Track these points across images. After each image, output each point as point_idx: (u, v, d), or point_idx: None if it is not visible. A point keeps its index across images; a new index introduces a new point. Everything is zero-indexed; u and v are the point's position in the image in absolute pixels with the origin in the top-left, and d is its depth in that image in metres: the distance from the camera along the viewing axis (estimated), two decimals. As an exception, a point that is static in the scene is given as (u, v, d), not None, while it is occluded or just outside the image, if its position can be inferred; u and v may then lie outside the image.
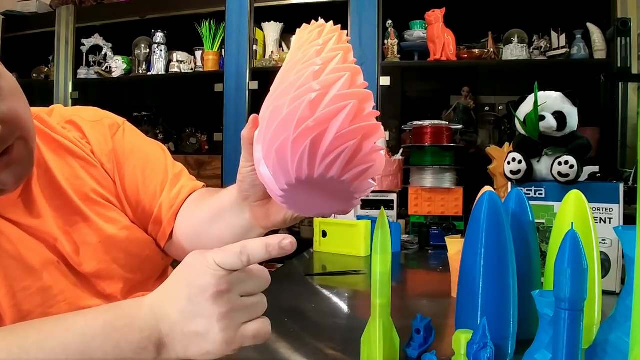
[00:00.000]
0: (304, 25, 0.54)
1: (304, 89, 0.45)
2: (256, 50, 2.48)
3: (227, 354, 0.46)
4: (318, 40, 0.50)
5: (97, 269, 0.67)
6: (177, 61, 2.64)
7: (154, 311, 0.47)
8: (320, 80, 0.45)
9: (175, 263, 0.61)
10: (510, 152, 1.04)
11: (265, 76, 2.49)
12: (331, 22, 0.53)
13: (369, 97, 0.46)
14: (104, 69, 2.82)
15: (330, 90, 0.44)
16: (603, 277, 0.91)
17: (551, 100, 1.00)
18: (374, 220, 1.25)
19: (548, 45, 2.22)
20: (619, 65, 1.59)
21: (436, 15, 2.17)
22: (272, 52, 2.51)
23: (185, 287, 0.46)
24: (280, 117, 0.45)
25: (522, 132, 1.04)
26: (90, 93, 2.89)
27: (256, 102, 2.47)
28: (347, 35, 0.53)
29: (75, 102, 2.83)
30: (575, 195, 0.70)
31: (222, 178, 2.46)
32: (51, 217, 0.66)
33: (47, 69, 3.02)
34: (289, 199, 0.49)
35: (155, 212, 0.73)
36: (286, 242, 0.47)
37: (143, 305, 0.48)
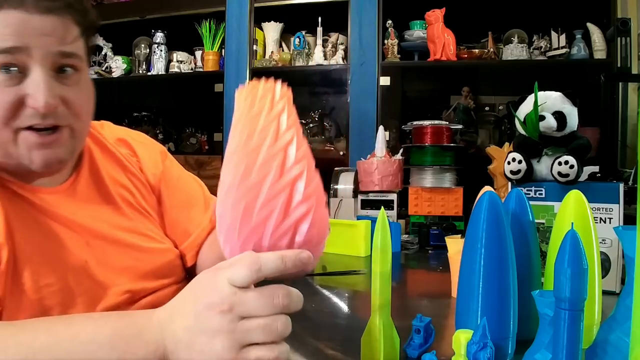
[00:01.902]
0: (250, 85, 0.54)
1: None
2: (256, 50, 2.48)
3: None
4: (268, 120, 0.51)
5: (125, 269, 0.72)
6: (177, 61, 2.64)
7: (162, 326, 0.47)
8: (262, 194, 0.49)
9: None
10: (510, 152, 1.04)
11: (265, 76, 2.48)
12: (279, 85, 0.54)
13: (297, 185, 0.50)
14: (104, 69, 2.82)
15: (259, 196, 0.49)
16: (603, 277, 0.91)
17: (551, 100, 1.00)
18: (374, 220, 1.25)
19: (548, 45, 2.22)
20: (619, 65, 1.59)
21: (436, 15, 2.17)
22: (272, 52, 2.51)
23: (192, 304, 0.46)
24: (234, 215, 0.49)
25: (522, 132, 1.04)
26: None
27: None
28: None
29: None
30: (575, 195, 0.70)
31: (222, 178, 2.46)
32: (91, 217, 0.71)
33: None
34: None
35: (192, 237, 0.83)
36: (304, 255, 0.46)
37: (152, 318, 0.48)
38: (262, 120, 0.51)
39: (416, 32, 2.32)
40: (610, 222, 0.94)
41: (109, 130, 0.83)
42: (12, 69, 0.60)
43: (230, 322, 0.44)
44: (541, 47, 2.23)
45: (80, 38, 0.66)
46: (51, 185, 0.69)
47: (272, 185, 0.48)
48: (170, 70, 2.65)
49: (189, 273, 0.83)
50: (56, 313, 0.61)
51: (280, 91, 0.54)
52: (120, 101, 3.10)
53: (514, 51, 2.21)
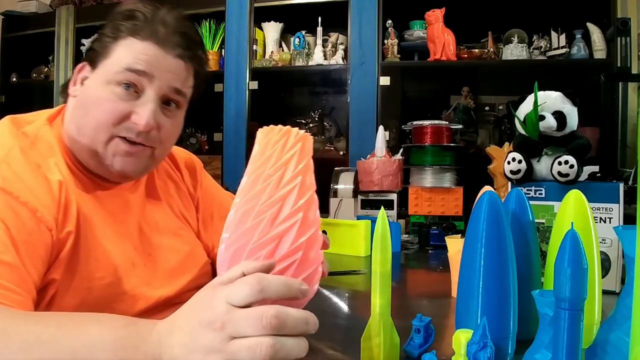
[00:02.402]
0: (269, 128, 0.56)
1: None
2: (256, 50, 2.48)
3: None
4: (279, 163, 0.53)
5: (171, 269, 0.80)
6: (177, 61, 2.64)
7: (160, 339, 0.47)
8: (275, 233, 0.51)
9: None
10: (510, 152, 1.04)
11: (265, 76, 2.49)
12: (295, 131, 0.56)
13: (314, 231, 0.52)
14: (104, 69, 2.81)
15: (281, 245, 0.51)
16: (603, 277, 0.91)
17: (551, 100, 1.00)
18: (374, 220, 1.25)
19: (548, 45, 2.22)
20: (619, 65, 1.59)
21: (436, 15, 2.17)
22: (272, 52, 2.51)
23: (189, 320, 0.46)
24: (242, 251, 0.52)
25: (522, 132, 1.04)
26: (90, 93, 2.89)
27: (256, 102, 2.47)
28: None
29: (75, 102, 2.83)
30: (575, 195, 0.70)
31: (222, 178, 2.46)
32: (142, 219, 0.80)
33: (47, 69, 3.02)
34: None
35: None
36: (304, 288, 0.45)
37: (154, 330, 0.48)
38: (268, 167, 0.53)
39: (416, 32, 2.31)
40: (610, 222, 0.94)
41: None
42: (131, 87, 0.71)
43: (221, 341, 0.43)
44: (541, 47, 2.23)
45: (192, 83, 0.79)
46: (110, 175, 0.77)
47: (260, 235, 0.50)
48: (170, 70, 2.65)
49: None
50: (99, 306, 0.67)
51: (295, 137, 0.54)
52: (120, 101, 3.09)
53: (514, 51, 2.21)
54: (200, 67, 0.79)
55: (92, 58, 0.75)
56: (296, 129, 0.55)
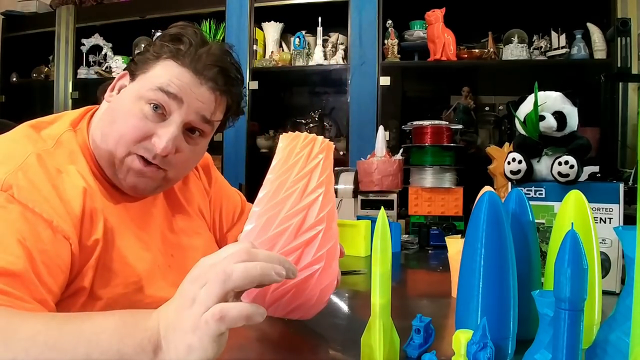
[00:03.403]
0: (293, 135, 0.57)
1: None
2: (256, 50, 2.48)
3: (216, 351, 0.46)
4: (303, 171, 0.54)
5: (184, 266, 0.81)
6: (177, 61, 2.64)
7: (159, 313, 0.49)
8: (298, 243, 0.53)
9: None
10: (510, 152, 1.03)
11: (265, 76, 2.49)
12: (321, 140, 0.56)
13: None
14: (104, 68, 2.82)
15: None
16: (603, 277, 0.91)
17: (551, 100, 1.00)
18: (374, 220, 1.25)
19: (548, 45, 2.22)
20: (619, 65, 1.59)
21: (436, 15, 2.17)
22: (272, 52, 2.51)
23: (180, 287, 0.48)
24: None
25: (522, 132, 1.04)
26: (90, 93, 2.89)
27: (256, 102, 2.47)
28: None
29: (75, 102, 2.84)
30: (575, 195, 0.70)
31: (222, 178, 2.46)
32: (168, 221, 0.83)
33: (47, 69, 3.03)
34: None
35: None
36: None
37: (154, 310, 0.50)
38: (293, 175, 0.53)
39: (416, 32, 2.32)
40: (610, 222, 0.94)
41: None
42: (159, 109, 0.72)
43: (200, 287, 0.46)
44: (541, 47, 2.23)
45: (222, 116, 0.80)
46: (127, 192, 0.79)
47: (284, 244, 0.51)
48: (170, 70, 2.65)
49: None
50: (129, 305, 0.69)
51: (320, 145, 0.54)
52: (120, 101, 3.09)
53: (514, 51, 2.21)
54: (233, 103, 0.81)
55: (133, 70, 0.76)
56: (321, 137, 0.56)
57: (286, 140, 0.55)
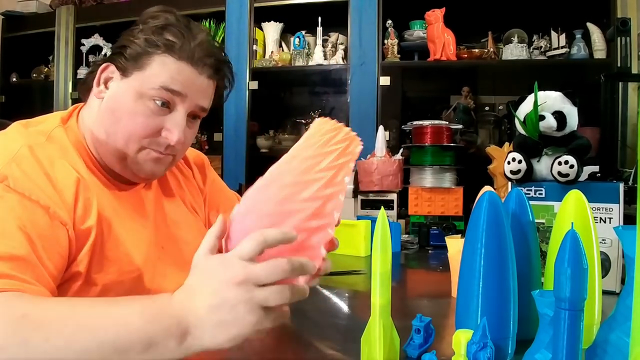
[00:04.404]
0: (323, 120, 0.60)
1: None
2: (256, 50, 2.48)
3: (254, 335, 0.50)
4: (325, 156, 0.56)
5: (185, 262, 0.82)
6: (177, 61, 2.64)
7: (183, 304, 0.52)
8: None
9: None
10: (510, 152, 1.04)
11: (265, 76, 2.49)
12: (347, 131, 0.59)
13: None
14: (104, 69, 2.81)
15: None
16: (603, 277, 0.91)
17: (551, 100, 1.00)
18: (374, 220, 1.25)
19: (548, 45, 2.22)
20: (619, 65, 1.59)
21: (436, 15, 2.17)
22: (272, 52, 2.51)
23: (209, 283, 0.51)
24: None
25: (522, 132, 1.04)
26: (90, 93, 2.89)
27: (256, 102, 2.47)
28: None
29: (75, 102, 2.82)
30: (575, 195, 0.70)
31: (222, 178, 2.45)
32: (158, 212, 0.83)
33: (47, 69, 3.02)
34: None
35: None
36: (294, 235, 0.52)
37: (172, 300, 0.53)
38: (309, 152, 0.56)
39: (416, 32, 2.31)
40: (610, 222, 0.94)
41: None
42: (165, 105, 0.74)
43: (247, 291, 0.49)
44: (541, 47, 2.23)
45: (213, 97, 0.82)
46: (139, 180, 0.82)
47: (273, 208, 0.53)
48: (170, 70, 2.65)
49: None
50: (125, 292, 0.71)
51: (344, 135, 0.58)
52: (120, 101, 3.09)
53: (514, 51, 2.21)
54: (224, 84, 0.84)
55: (123, 65, 0.76)
56: (349, 129, 0.58)
57: (317, 123, 0.59)
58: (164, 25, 0.76)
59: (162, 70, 0.74)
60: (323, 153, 0.55)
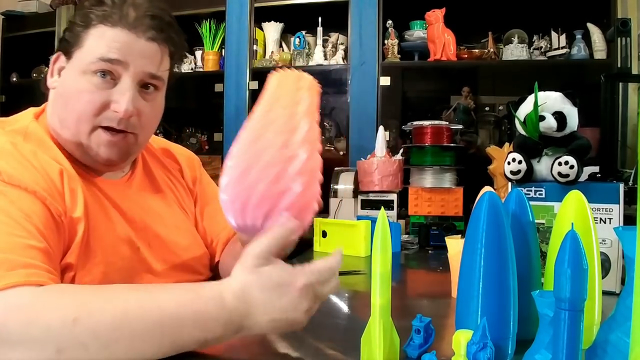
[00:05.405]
0: (284, 73, 0.63)
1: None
2: (256, 50, 2.48)
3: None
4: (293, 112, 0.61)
5: (171, 260, 0.83)
6: (177, 61, 2.64)
7: (241, 320, 0.56)
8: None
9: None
10: (510, 152, 1.04)
11: (265, 76, 2.47)
12: (309, 79, 0.64)
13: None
14: (104, 68, 2.81)
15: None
16: (603, 277, 0.91)
17: (551, 100, 1.00)
18: (374, 220, 1.25)
19: (548, 45, 2.22)
20: (619, 65, 1.59)
21: (436, 16, 2.17)
22: (272, 52, 2.51)
23: (269, 300, 0.56)
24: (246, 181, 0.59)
25: (522, 132, 1.04)
26: (90, 93, 2.89)
27: (256, 102, 2.47)
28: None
29: (75, 102, 2.83)
30: (575, 196, 0.70)
31: (222, 178, 2.46)
32: (142, 209, 0.82)
33: (47, 68, 3.02)
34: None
35: (222, 234, 0.95)
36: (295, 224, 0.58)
37: (224, 309, 0.56)
38: (284, 99, 0.60)
39: (416, 32, 2.31)
40: (610, 223, 0.94)
41: (154, 141, 0.95)
42: (107, 75, 0.71)
43: (307, 294, 0.57)
44: (541, 47, 2.23)
45: (169, 65, 0.78)
46: (115, 178, 0.82)
47: (273, 154, 0.57)
48: (170, 70, 2.65)
49: (213, 269, 0.95)
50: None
51: (309, 82, 0.63)
52: (120, 101, 3.09)
53: (514, 51, 2.21)
54: (175, 48, 0.79)
55: (66, 48, 0.74)
56: (303, 73, 0.63)
57: (277, 76, 0.63)
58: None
59: (99, 41, 0.71)
60: (295, 102, 0.60)
